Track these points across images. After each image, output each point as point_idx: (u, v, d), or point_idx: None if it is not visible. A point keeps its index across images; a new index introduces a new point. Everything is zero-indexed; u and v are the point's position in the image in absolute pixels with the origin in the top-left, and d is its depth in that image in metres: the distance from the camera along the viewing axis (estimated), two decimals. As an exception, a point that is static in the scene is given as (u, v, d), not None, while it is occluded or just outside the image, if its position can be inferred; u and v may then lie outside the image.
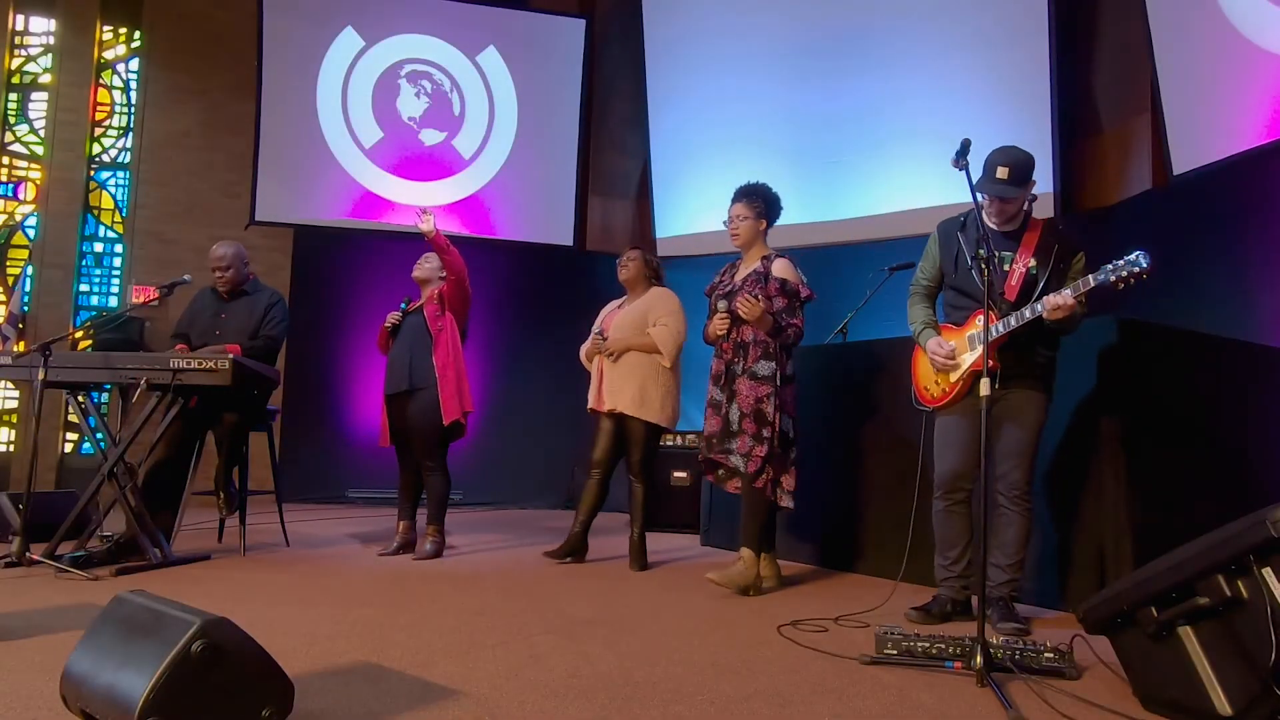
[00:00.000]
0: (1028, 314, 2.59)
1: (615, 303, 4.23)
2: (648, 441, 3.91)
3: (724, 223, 3.51)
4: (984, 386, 2.27)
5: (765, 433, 3.20)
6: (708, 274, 3.67)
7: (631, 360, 3.91)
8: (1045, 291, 2.62)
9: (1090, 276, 2.47)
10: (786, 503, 3.32)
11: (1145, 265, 2.35)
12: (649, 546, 3.91)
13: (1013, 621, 2.66)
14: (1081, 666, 2.15)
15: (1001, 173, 2.70)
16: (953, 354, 2.76)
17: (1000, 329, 2.63)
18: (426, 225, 3.98)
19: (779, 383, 3.25)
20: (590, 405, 4.03)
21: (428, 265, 4.30)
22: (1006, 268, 2.74)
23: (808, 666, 2.20)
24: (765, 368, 3.25)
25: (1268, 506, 1.63)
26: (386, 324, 4.21)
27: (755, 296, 3.22)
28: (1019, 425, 2.72)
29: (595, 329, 4.10)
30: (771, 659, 2.26)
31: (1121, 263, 2.40)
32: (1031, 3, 5.90)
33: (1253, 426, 3.45)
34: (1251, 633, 1.64)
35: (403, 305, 4.26)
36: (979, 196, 2.55)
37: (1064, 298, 2.51)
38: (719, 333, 3.38)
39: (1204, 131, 5.03)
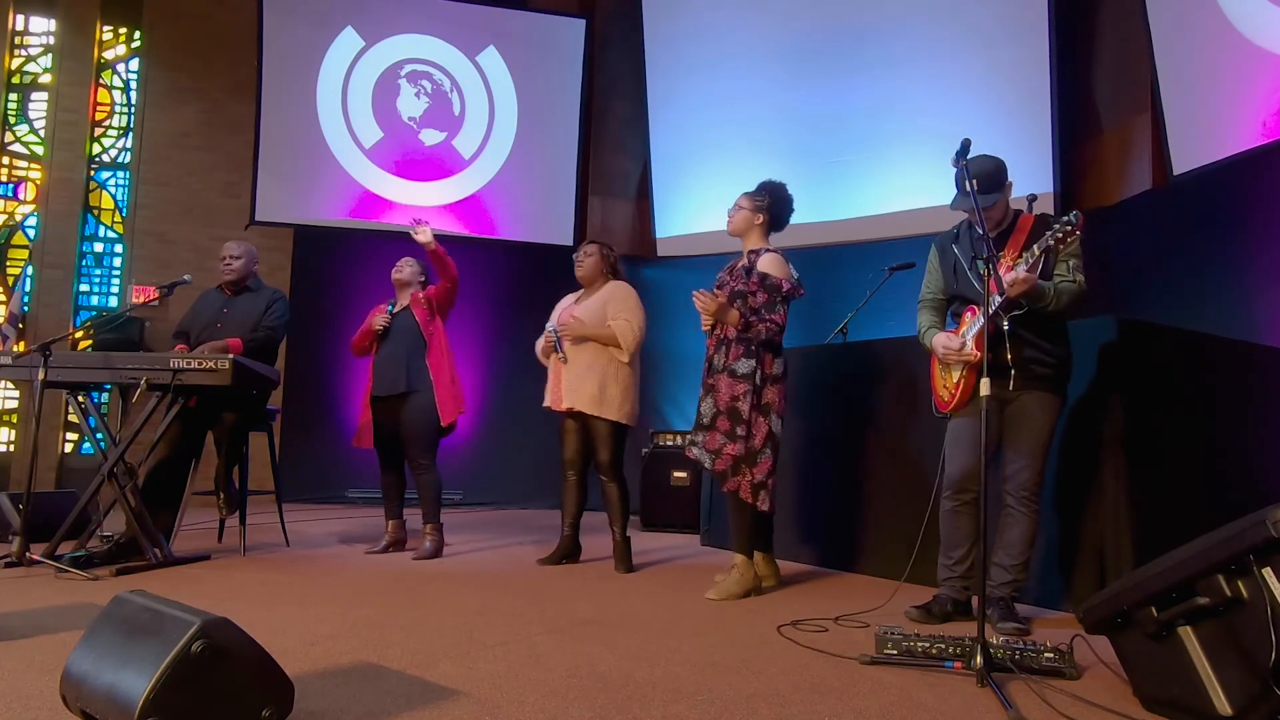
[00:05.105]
0: (997, 299, 2.59)
1: (571, 297, 4.11)
2: (613, 439, 3.80)
3: (728, 211, 3.54)
4: (984, 386, 2.28)
5: (739, 431, 3.15)
6: (707, 274, 3.66)
7: (589, 358, 3.80)
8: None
9: (1035, 245, 2.52)
10: (764, 505, 3.17)
11: (1075, 221, 2.43)
12: (649, 546, 3.91)
13: (1013, 621, 2.66)
14: (1081, 666, 2.15)
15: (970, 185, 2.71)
16: (963, 347, 2.76)
17: (984, 320, 2.63)
18: (424, 237, 3.97)
19: (759, 381, 3.19)
20: (547, 403, 3.94)
21: (409, 269, 4.32)
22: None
23: (808, 666, 2.20)
24: (745, 365, 3.19)
25: (1268, 506, 1.63)
26: (377, 327, 4.18)
27: (742, 290, 3.20)
28: (1030, 426, 2.72)
29: (550, 326, 3.92)
30: (771, 659, 2.26)
31: (1056, 225, 2.45)
32: (1031, 3, 5.91)
33: (1253, 426, 3.45)
34: (1251, 633, 1.64)
35: (390, 307, 4.25)
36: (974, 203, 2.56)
37: (1018, 273, 2.55)
38: (704, 329, 3.37)
39: (1204, 131, 5.03)
